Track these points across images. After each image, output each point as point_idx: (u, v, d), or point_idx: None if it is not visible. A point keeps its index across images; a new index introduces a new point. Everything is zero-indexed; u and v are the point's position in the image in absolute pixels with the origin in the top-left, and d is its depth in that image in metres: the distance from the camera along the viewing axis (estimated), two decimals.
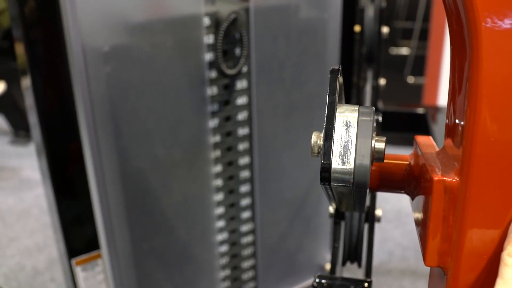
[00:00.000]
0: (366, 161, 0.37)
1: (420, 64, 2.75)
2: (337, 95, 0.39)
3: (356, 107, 0.39)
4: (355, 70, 1.09)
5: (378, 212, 0.68)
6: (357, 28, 1.07)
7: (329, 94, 0.39)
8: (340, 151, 0.37)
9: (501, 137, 0.33)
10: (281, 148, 1.03)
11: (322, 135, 0.39)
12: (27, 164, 2.26)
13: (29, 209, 1.89)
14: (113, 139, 0.83)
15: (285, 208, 1.10)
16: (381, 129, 1.29)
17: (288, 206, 1.10)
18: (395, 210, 1.77)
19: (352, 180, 0.37)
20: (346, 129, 0.38)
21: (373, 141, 0.38)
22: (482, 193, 0.34)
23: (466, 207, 0.34)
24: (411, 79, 2.92)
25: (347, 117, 0.38)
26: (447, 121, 0.42)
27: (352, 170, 0.37)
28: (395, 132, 1.31)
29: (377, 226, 1.81)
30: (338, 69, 0.40)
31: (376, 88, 1.10)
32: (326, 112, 0.39)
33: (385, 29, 1.07)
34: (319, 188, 0.41)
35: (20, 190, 2.03)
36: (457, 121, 0.37)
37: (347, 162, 0.37)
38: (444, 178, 0.36)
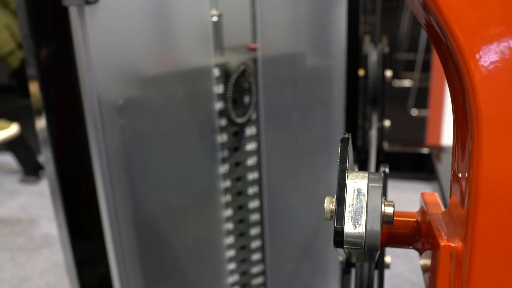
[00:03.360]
0: (377, 225, 0.40)
1: (423, 96, 2.78)
2: (347, 163, 0.42)
3: (366, 174, 0.42)
4: (360, 113, 1.12)
5: (387, 259, 0.70)
6: (361, 72, 1.11)
7: (340, 162, 0.42)
8: (352, 216, 0.40)
9: (504, 204, 0.35)
10: (289, 191, 1.05)
11: (334, 200, 0.41)
12: (36, 202, 2.28)
13: (39, 248, 1.91)
14: (127, 186, 0.86)
15: (294, 249, 1.12)
16: (390, 168, 1.31)
17: (297, 247, 1.12)
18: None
19: (363, 243, 0.40)
20: (357, 195, 0.40)
21: (382, 206, 0.40)
22: (486, 259, 0.36)
23: (470, 271, 0.37)
24: (414, 112, 2.95)
25: (357, 184, 0.41)
26: (452, 178, 0.44)
27: (364, 234, 0.40)
28: (401, 171, 1.33)
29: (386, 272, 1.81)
30: (348, 137, 0.43)
31: (381, 130, 1.13)
32: (337, 180, 0.41)
33: (388, 73, 1.11)
34: (327, 229, 0.43)
35: (30, 230, 2.05)
36: (461, 182, 0.39)
37: (358, 226, 0.40)
38: (450, 244, 0.38)
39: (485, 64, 0.33)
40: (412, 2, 0.38)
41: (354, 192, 0.41)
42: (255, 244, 1.06)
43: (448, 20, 0.33)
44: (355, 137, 1.15)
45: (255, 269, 1.08)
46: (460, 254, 0.37)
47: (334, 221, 0.40)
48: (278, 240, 1.08)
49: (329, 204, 0.42)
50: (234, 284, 1.05)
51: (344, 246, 0.41)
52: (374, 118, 1.08)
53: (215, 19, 0.90)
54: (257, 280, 1.09)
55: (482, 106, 0.33)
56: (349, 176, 0.41)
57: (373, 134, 1.02)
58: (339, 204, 0.40)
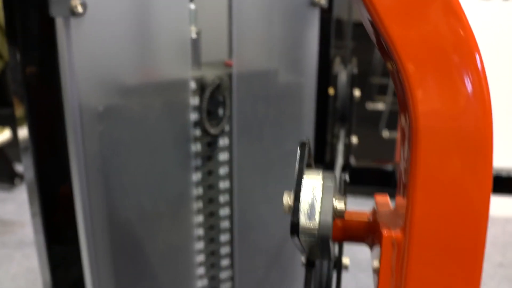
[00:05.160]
0: (329, 217, 0.45)
1: (395, 118, 2.86)
2: (304, 162, 0.47)
3: (321, 173, 0.47)
4: (329, 129, 1.18)
5: (346, 260, 0.75)
6: (331, 91, 1.17)
7: (298, 162, 0.47)
8: (307, 210, 0.45)
9: (437, 197, 0.41)
10: (259, 201, 1.10)
11: (292, 195, 0.46)
12: (10, 209, 2.29)
13: (11, 253, 1.92)
14: (104, 191, 0.90)
15: (262, 256, 1.17)
16: (356, 183, 1.38)
17: (265, 255, 1.17)
18: (367, 259, 1.83)
19: (316, 234, 0.45)
20: (312, 191, 0.46)
21: (334, 201, 0.46)
22: (423, 246, 0.41)
23: (409, 258, 0.42)
24: (386, 134, 3.04)
25: (313, 181, 0.46)
26: (398, 179, 0.50)
27: (317, 226, 0.45)
28: (368, 186, 1.39)
29: (351, 275, 1.87)
30: (307, 142, 0.48)
31: (348, 145, 1.19)
32: (295, 177, 0.47)
33: (356, 92, 1.17)
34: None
35: (3, 235, 2.06)
36: (403, 179, 0.45)
37: (312, 219, 0.45)
38: (392, 234, 0.43)
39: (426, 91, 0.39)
40: (365, 22, 0.44)
41: (309, 188, 0.46)
42: (225, 250, 1.11)
43: (390, 35, 0.39)
44: (323, 153, 1.21)
45: (224, 275, 1.12)
46: (400, 243, 0.43)
47: (291, 214, 0.45)
48: (247, 247, 1.12)
49: (287, 199, 0.47)
50: None
51: (299, 236, 0.46)
52: (342, 134, 1.14)
53: (194, 35, 0.95)
54: (226, 285, 1.13)
55: (419, 116, 0.39)
56: (306, 174, 0.47)
57: (340, 149, 1.07)
58: (296, 198, 0.45)
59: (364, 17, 0.42)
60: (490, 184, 0.39)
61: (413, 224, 0.41)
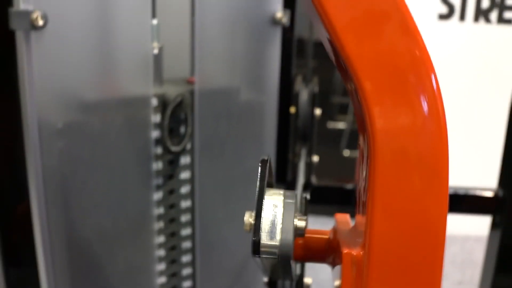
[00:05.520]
0: (290, 236, 0.45)
1: (355, 138, 2.89)
2: (265, 181, 0.47)
3: (282, 191, 0.47)
4: (290, 148, 1.18)
5: (308, 280, 0.75)
6: (292, 109, 1.18)
7: (259, 180, 0.47)
8: (268, 228, 0.45)
9: (395, 220, 0.41)
10: (221, 220, 1.10)
11: (253, 214, 0.46)
12: None
13: None
14: (62, 210, 0.88)
15: (225, 276, 1.16)
16: (317, 201, 1.38)
17: (228, 275, 1.16)
18: (329, 279, 1.84)
19: (278, 252, 0.45)
20: (273, 209, 0.46)
21: (295, 220, 0.46)
22: (382, 263, 0.42)
23: (368, 275, 0.42)
24: (346, 153, 3.07)
25: (274, 200, 0.46)
26: (357, 197, 0.50)
27: (278, 244, 0.45)
28: (329, 205, 1.39)
29: None
30: (267, 159, 0.48)
31: (309, 164, 1.20)
32: (256, 195, 0.46)
33: (317, 111, 1.19)
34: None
35: None
36: (362, 197, 0.45)
37: (273, 237, 0.45)
38: (352, 252, 0.44)
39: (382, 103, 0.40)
40: (324, 41, 0.45)
41: (270, 206, 0.46)
42: (186, 271, 1.09)
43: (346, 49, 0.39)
44: (285, 171, 1.21)
45: None
46: (359, 260, 0.43)
47: (252, 232, 0.45)
48: (209, 267, 1.11)
49: (248, 217, 0.46)
50: None
51: (261, 255, 0.45)
52: (303, 153, 1.15)
53: (156, 51, 0.95)
54: None
55: (376, 134, 0.39)
56: (267, 193, 0.47)
57: (301, 168, 1.08)
58: (257, 217, 0.45)
59: (323, 36, 0.43)
60: (446, 201, 0.40)
61: (372, 242, 0.41)
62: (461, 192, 1.36)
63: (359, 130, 0.45)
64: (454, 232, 2.36)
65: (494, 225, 1.32)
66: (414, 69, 0.39)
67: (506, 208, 1.28)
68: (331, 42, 0.40)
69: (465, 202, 1.38)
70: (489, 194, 1.32)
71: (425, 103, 0.39)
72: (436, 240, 0.41)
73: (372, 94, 0.39)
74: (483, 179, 1.73)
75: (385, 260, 0.42)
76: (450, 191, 1.40)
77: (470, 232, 2.32)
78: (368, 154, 0.41)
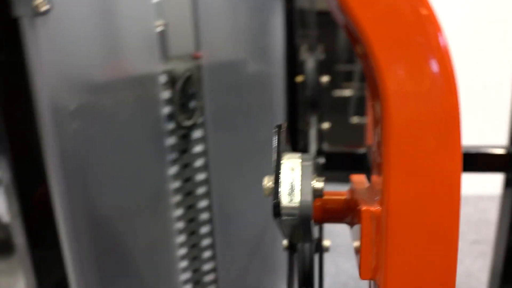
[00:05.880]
0: (308, 197, 0.46)
1: (362, 104, 2.90)
2: (282, 145, 0.48)
3: (299, 155, 0.48)
4: (300, 116, 1.19)
5: (327, 242, 0.77)
6: (299, 78, 1.19)
7: (276, 145, 0.48)
8: (287, 191, 0.46)
9: (412, 168, 0.42)
10: (236, 191, 1.11)
11: (272, 178, 0.47)
12: None
13: None
14: (81, 189, 0.90)
15: (243, 246, 1.18)
16: (329, 168, 1.39)
17: (246, 244, 1.18)
18: (346, 244, 1.87)
19: (298, 213, 0.46)
20: (291, 172, 0.47)
21: (313, 181, 0.47)
22: (399, 218, 0.43)
23: (387, 229, 0.43)
24: (354, 119, 3.08)
25: (291, 163, 0.47)
26: (372, 157, 0.51)
27: (298, 205, 0.46)
28: (341, 171, 1.40)
29: (330, 259, 1.90)
30: (281, 124, 0.50)
31: (320, 131, 1.21)
32: (274, 159, 0.48)
33: (324, 78, 1.19)
34: (274, 226, 0.49)
35: None
36: (377, 157, 0.46)
37: (293, 199, 0.46)
38: (370, 208, 0.45)
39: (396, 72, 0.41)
40: (331, 9, 0.45)
41: (288, 170, 0.47)
42: (206, 242, 1.11)
43: (362, 30, 0.40)
44: (296, 140, 1.22)
45: (207, 267, 1.13)
46: (378, 216, 0.44)
47: (272, 196, 0.47)
48: (227, 238, 1.13)
49: (267, 181, 0.48)
50: (186, 281, 1.10)
51: (282, 218, 0.47)
52: (313, 121, 1.15)
53: (160, 28, 0.95)
54: (209, 277, 1.14)
55: (389, 94, 0.40)
56: (284, 157, 0.48)
57: (312, 135, 1.09)
58: (276, 180, 0.46)
59: (331, 4, 0.44)
60: (460, 156, 0.41)
61: (389, 197, 0.42)
62: (472, 150, 1.37)
63: (371, 92, 0.46)
64: (468, 193, 2.38)
65: (507, 183, 1.33)
66: (421, 30, 0.40)
67: None
68: (339, 6, 0.41)
69: (477, 161, 1.39)
70: (501, 151, 1.32)
71: (435, 63, 0.40)
72: (451, 193, 0.42)
73: (382, 56, 0.40)
74: (495, 137, 1.74)
75: (403, 214, 0.43)
76: (463, 150, 1.41)
77: (483, 192, 2.33)
78: (381, 116, 0.42)
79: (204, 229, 1.10)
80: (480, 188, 2.34)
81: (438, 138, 0.41)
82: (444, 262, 0.43)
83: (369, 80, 0.45)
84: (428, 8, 0.40)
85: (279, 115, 1.13)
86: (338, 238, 1.88)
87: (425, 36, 0.40)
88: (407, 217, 0.43)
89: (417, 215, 0.43)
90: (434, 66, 0.40)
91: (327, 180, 1.20)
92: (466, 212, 2.30)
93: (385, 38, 0.40)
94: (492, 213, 2.16)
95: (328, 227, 0.75)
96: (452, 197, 0.42)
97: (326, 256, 0.78)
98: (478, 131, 2.32)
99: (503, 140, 1.34)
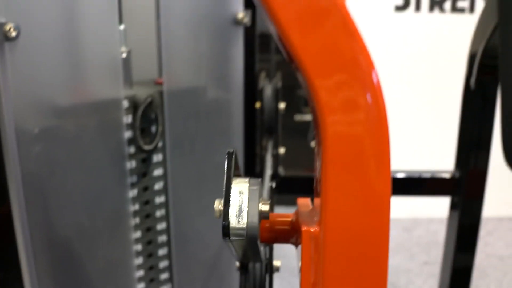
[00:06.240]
0: (255, 219, 0.51)
1: None
2: (232, 170, 0.53)
3: (247, 179, 0.53)
4: (257, 141, 1.24)
5: (277, 263, 0.81)
6: (257, 105, 1.24)
7: (226, 170, 0.53)
8: (235, 213, 0.51)
9: (347, 190, 0.47)
10: (194, 213, 1.15)
11: (222, 201, 0.52)
12: None
13: None
14: (41, 210, 0.92)
15: (200, 268, 1.21)
16: (284, 191, 1.44)
17: (203, 265, 1.21)
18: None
19: (246, 234, 0.51)
20: (240, 196, 0.51)
21: (260, 204, 0.51)
22: (336, 238, 0.48)
23: (325, 250, 0.48)
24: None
25: (240, 187, 0.52)
26: (315, 180, 0.56)
27: (245, 226, 0.50)
28: (297, 194, 1.45)
29: (286, 279, 1.92)
30: (233, 151, 0.54)
31: (276, 156, 1.26)
32: (224, 184, 0.52)
33: (281, 105, 1.24)
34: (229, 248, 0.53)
35: None
36: (317, 178, 0.51)
37: (241, 221, 0.50)
38: (310, 229, 0.50)
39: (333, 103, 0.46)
40: (274, 36, 0.50)
41: (237, 193, 0.51)
42: (163, 264, 1.14)
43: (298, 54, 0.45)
44: (253, 164, 1.27)
45: None
46: (317, 236, 0.49)
47: (222, 217, 0.51)
48: (185, 259, 1.17)
49: (218, 204, 0.52)
50: None
51: (231, 238, 0.51)
52: (270, 145, 1.21)
53: (124, 55, 0.99)
54: None
55: (326, 123, 0.45)
56: (234, 181, 0.52)
57: (268, 159, 1.14)
58: (225, 203, 0.51)
59: (273, 31, 0.49)
60: (389, 180, 0.46)
61: (325, 218, 0.47)
62: (421, 175, 1.44)
63: (313, 118, 0.51)
64: (419, 215, 2.46)
65: (452, 206, 1.40)
66: (357, 68, 0.45)
67: (462, 189, 1.36)
68: (280, 38, 0.46)
69: (425, 185, 1.46)
70: (447, 175, 1.40)
71: (368, 96, 0.45)
72: (381, 215, 0.47)
73: (320, 87, 0.45)
74: (441, 162, 1.82)
75: (337, 234, 0.48)
76: (411, 175, 1.48)
77: (434, 214, 2.42)
78: (319, 141, 0.47)
79: (162, 251, 1.13)
80: (431, 211, 2.42)
81: (370, 161, 0.46)
82: (375, 277, 0.48)
83: (311, 108, 0.50)
84: (363, 49, 0.46)
85: (237, 140, 1.17)
86: (293, 259, 1.93)
87: (361, 74, 0.45)
88: (342, 236, 0.48)
89: (351, 235, 0.47)
90: (368, 99, 0.45)
91: (284, 203, 1.24)
92: (417, 234, 2.38)
93: (321, 71, 0.45)
94: (442, 235, 2.24)
95: (285, 249, 0.79)
96: (382, 218, 0.47)
97: (281, 276, 0.82)
98: (427, 156, 2.42)
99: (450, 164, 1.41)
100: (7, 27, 0.80)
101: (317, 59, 0.45)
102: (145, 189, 1.06)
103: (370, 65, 0.46)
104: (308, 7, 0.45)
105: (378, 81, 0.46)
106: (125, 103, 0.99)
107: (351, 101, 0.46)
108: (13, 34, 0.80)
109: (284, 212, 0.70)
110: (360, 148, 0.45)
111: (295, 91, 3.83)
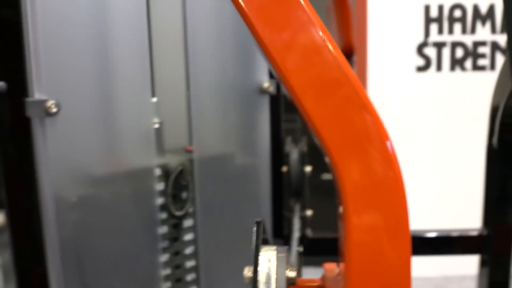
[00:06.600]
0: (283, 285, 0.53)
1: None
2: (260, 239, 0.56)
3: (275, 247, 0.56)
4: (285, 204, 1.27)
5: None
6: (284, 169, 1.27)
7: (255, 239, 0.56)
8: (264, 279, 0.54)
9: (368, 262, 0.50)
10: (224, 277, 1.17)
11: (251, 268, 0.55)
12: None
13: None
14: (77, 274, 0.96)
15: None
16: (312, 253, 1.45)
17: None
18: None
19: None
20: (268, 263, 0.54)
21: (287, 271, 0.54)
22: None
23: None
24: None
25: (268, 255, 0.55)
26: (339, 248, 0.59)
27: None
28: (325, 255, 1.46)
29: None
30: (261, 221, 0.58)
31: (303, 218, 1.28)
32: (253, 252, 0.55)
33: (307, 168, 1.28)
34: None
35: None
36: (342, 247, 0.54)
37: (269, 287, 0.53)
38: None
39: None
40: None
41: (265, 261, 0.55)
42: None
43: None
44: (281, 227, 1.29)
45: None
46: None
47: (252, 284, 0.54)
48: None
49: (247, 272, 0.55)
50: None
51: None
52: (297, 208, 1.23)
53: (156, 126, 1.05)
54: None
55: (348, 197, 0.49)
56: (262, 249, 0.56)
57: (296, 222, 1.16)
58: (254, 271, 0.54)
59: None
60: (409, 249, 0.49)
61: (349, 285, 0.50)
62: (449, 234, 1.44)
63: (335, 188, 0.55)
64: (451, 273, 2.42)
65: (482, 264, 1.39)
66: (373, 141, 0.49)
67: (491, 246, 1.36)
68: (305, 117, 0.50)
69: (454, 244, 1.46)
70: (475, 233, 1.39)
71: (385, 167, 0.49)
72: (403, 280, 0.49)
73: (338, 160, 0.49)
74: (468, 220, 1.81)
75: None
76: (439, 234, 1.48)
77: (465, 272, 2.38)
78: (342, 210, 0.50)
79: None
80: (463, 268, 2.38)
81: (389, 232, 0.49)
82: None
83: (331, 171, 0.53)
84: (379, 122, 0.49)
85: (265, 203, 1.21)
86: None
87: (376, 146, 0.49)
88: None
89: None
90: (385, 170, 0.49)
91: (313, 264, 1.25)
92: None
93: (340, 144, 0.49)
94: None
95: None
96: (404, 283, 0.49)
97: None
98: (456, 215, 2.40)
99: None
100: (49, 103, 0.86)
101: (334, 134, 0.49)
102: (176, 253, 1.10)
103: (384, 137, 0.49)
104: (326, 89, 0.49)
105: (393, 152, 0.50)
106: (158, 171, 1.03)
107: (369, 172, 0.49)
108: (54, 110, 0.87)
109: (314, 273, 0.73)
110: (379, 217, 0.48)
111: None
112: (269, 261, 0.54)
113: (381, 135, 0.49)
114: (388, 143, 0.49)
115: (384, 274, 0.49)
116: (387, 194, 0.49)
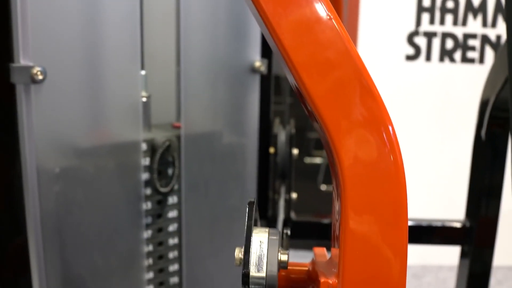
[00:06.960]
0: (274, 269, 0.52)
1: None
2: (252, 220, 0.54)
3: (267, 229, 0.55)
4: (270, 186, 1.26)
5: None
6: (271, 150, 1.26)
7: (247, 220, 0.55)
8: (255, 262, 0.52)
9: (364, 247, 0.48)
10: (206, 256, 1.16)
11: (242, 249, 0.53)
12: None
13: None
14: (58, 249, 0.94)
15: None
16: (296, 236, 1.45)
17: None
18: None
19: (265, 283, 0.52)
20: (260, 245, 0.53)
21: (279, 254, 0.53)
22: None
23: None
24: (323, 187, 3.16)
25: (260, 237, 0.53)
26: (332, 232, 0.58)
27: (265, 276, 0.52)
28: (308, 239, 1.46)
29: None
30: (254, 201, 0.56)
31: (288, 201, 1.27)
32: (245, 233, 0.54)
33: (295, 151, 1.27)
34: None
35: None
36: (336, 232, 0.53)
37: (261, 270, 0.52)
38: (328, 280, 0.51)
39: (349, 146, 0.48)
40: (293, 87, 0.53)
41: (257, 242, 0.53)
42: None
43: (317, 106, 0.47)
44: (266, 208, 1.28)
45: None
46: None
47: (242, 266, 0.52)
48: None
49: (238, 253, 0.54)
50: None
51: (250, 286, 0.52)
52: (282, 190, 1.22)
53: (144, 99, 1.02)
54: None
55: (345, 173, 0.47)
56: (254, 231, 0.54)
57: (281, 204, 1.15)
58: (246, 252, 0.52)
59: (292, 83, 0.51)
60: (406, 231, 0.48)
61: (344, 270, 0.49)
62: (432, 224, 1.45)
63: (330, 167, 0.53)
64: (429, 263, 2.45)
65: (462, 255, 1.40)
66: (374, 124, 0.48)
67: (473, 238, 1.37)
68: (300, 93, 0.48)
69: (436, 234, 1.46)
70: (457, 225, 1.40)
71: (385, 149, 0.48)
72: (399, 265, 0.48)
73: (338, 137, 0.47)
74: (452, 211, 1.82)
75: (356, 286, 0.49)
76: (421, 223, 1.49)
77: (443, 262, 2.41)
78: (338, 187, 0.48)
79: None
80: (441, 259, 2.41)
81: (387, 212, 0.48)
82: None
83: (329, 158, 0.52)
84: (382, 108, 0.48)
85: (251, 184, 1.19)
86: None
87: (378, 130, 0.47)
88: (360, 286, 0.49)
89: (369, 284, 0.49)
90: (385, 152, 0.47)
91: (294, 247, 1.24)
92: (427, 281, 2.36)
93: (342, 127, 0.47)
94: (451, 283, 2.22)
95: None
96: (399, 270, 0.48)
97: None
98: (437, 205, 2.42)
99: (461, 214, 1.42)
100: (35, 70, 0.83)
101: (336, 114, 0.48)
102: (159, 230, 1.08)
103: (387, 120, 0.48)
104: (332, 74, 0.47)
105: (395, 136, 0.48)
106: (144, 146, 1.01)
107: (369, 154, 0.48)
108: (40, 77, 0.84)
109: (294, 256, 0.72)
110: (378, 201, 0.47)
111: (305, 134, 3.86)
112: (261, 243, 0.53)
113: (383, 118, 0.48)
114: (389, 127, 0.48)
115: (381, 259, 0.48)
116: (386, 177, 0.48)
